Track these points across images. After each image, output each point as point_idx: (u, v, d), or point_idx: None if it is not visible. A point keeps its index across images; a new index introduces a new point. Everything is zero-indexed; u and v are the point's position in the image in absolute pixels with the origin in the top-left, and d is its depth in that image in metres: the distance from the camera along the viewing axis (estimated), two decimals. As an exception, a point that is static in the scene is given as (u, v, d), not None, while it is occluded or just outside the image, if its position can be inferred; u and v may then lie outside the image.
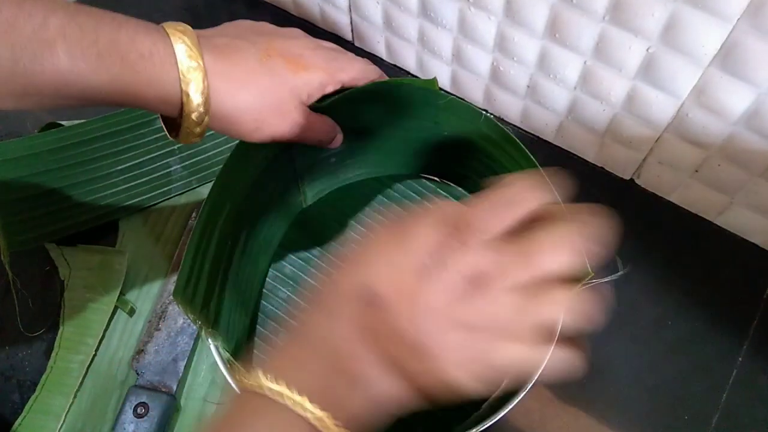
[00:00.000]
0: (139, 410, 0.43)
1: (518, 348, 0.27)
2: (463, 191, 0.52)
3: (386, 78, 0.43)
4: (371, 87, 0.44)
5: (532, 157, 0.41)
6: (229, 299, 0.44)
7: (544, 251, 0.27)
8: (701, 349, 0.46)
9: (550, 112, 0.52)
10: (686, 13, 0.38)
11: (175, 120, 0.36)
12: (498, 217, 0.27)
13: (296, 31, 0.42)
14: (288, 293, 0.48)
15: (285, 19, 0.63)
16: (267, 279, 0.49)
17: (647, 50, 0.42)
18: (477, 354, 0.27)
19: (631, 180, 0.53)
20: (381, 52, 0.60)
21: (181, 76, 0.33)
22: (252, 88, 0.36)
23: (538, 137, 0.55)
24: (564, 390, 0.45)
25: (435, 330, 0.26)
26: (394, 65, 0.60)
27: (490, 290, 0.26)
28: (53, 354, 0.46)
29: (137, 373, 0.46)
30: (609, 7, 0.41)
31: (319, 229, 0.51)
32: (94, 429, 0.44)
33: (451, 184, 0.52)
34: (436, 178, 0.52)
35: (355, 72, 0.41)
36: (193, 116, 0.35)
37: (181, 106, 0.34)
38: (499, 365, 0.27)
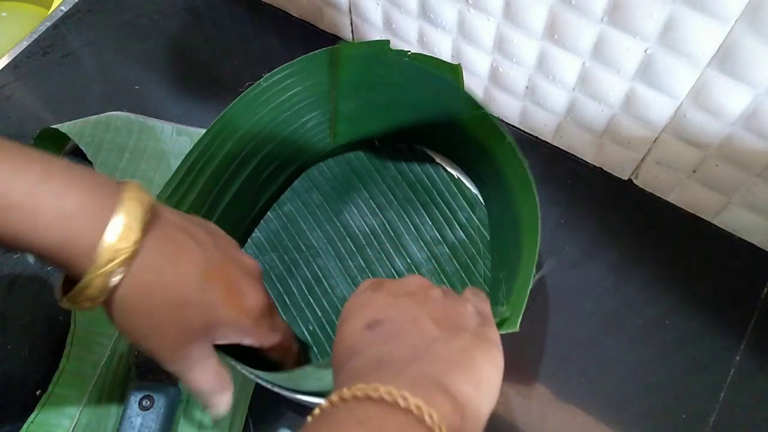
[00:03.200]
0: (144, 403, 0.43)
1: None
2: (473, 179, 0.52)
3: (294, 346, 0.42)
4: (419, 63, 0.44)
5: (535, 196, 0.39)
6: (220, 218, 0.45)
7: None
8: (699, 349, 0.46)
9: (549, 112, 0.52)
10: (684, 15, 0.38)
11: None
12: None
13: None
14: (278, 227, 0.50)
15: (286, 20, 0.63)
16: (265, 210, 0.50)
17: (645, 51, 0.42)
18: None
19: (630, 180, 0.53)
20: (381, 53, 0.60)
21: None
22: (164, 310, 0.31)
23: (536, 138, 0.56)
24: (563, 389, 0.45)
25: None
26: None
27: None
28: (65, 353, 0.46)
29: (138, 368, 0.46)
30: (607, 9, 0.41)
31: (328, 180, 0.52)
32: (100, 424, 0.44)
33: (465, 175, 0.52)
34: (452, 170, 0.53)
35: (278, 340, 0.38)
36: (96, 283, 0.29)
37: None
38: None
